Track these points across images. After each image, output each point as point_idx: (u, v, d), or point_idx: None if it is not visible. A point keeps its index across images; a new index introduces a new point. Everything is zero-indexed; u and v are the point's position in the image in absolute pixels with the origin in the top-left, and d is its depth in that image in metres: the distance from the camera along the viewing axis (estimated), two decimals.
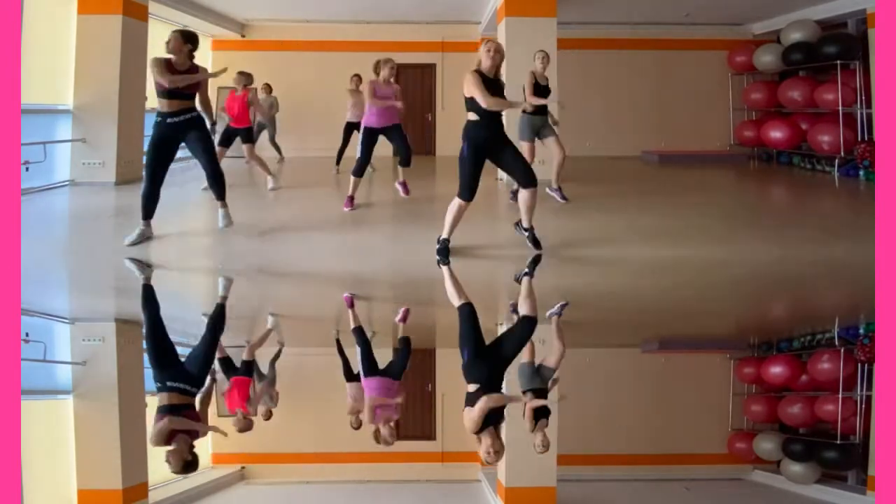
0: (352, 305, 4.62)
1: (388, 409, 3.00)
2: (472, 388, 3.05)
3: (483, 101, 5.26)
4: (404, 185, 7.31)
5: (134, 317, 4.62)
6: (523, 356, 3.57)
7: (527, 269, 5.42)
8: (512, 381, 3.25)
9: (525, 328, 4.04)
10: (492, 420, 2.71)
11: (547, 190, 7.04)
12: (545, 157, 7.21)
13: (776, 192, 9.07)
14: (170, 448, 2.55)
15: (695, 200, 7.64)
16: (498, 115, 5.53)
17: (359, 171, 7.01)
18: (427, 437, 2.86)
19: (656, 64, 11.13)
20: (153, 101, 9.42)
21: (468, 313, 4.28)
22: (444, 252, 5.66)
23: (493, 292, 5.29)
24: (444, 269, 5.41)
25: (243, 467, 2.66)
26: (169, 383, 3.23)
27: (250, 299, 5.09)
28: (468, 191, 5.51)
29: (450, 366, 3.69)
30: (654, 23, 10.92)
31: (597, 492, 2.60)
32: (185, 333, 4.22)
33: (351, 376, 3.38)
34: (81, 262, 5.84)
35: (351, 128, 8.98)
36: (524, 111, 6.57)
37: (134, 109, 8.60)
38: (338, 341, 3.91)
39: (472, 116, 5.43)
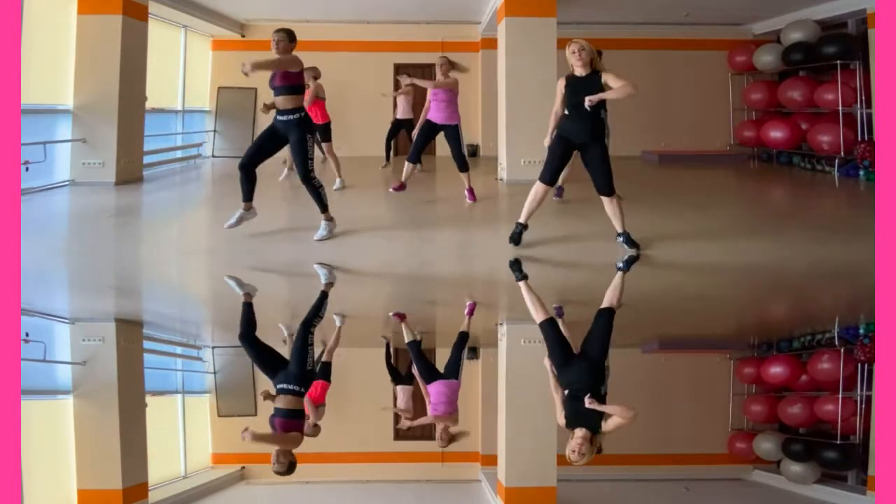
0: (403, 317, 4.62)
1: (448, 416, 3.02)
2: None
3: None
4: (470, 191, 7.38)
5: (134, 317, 4.62)
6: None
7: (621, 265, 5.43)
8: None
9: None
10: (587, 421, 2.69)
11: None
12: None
13: (776, 192, 9.07)
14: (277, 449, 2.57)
15: (695, 200, 7.63)
16: (591, 111, 5.44)
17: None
18: (427, 437, 2.86)
19: (656, 64, 11.11)
20: (153, 101, 9.50)
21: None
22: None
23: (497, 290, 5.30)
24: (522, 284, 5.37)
25: (243, 467, 2.66)
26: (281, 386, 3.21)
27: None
28: (544, 176, 5.68)
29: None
30: (654, 23, 10.92)
31: (597, 492, 2.60)
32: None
33: (400, 378, 3.43)
34: (81, 262, 5.84)
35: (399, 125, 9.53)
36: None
37: (134, 109, 8.60)
38: (387, 346, 3.92)
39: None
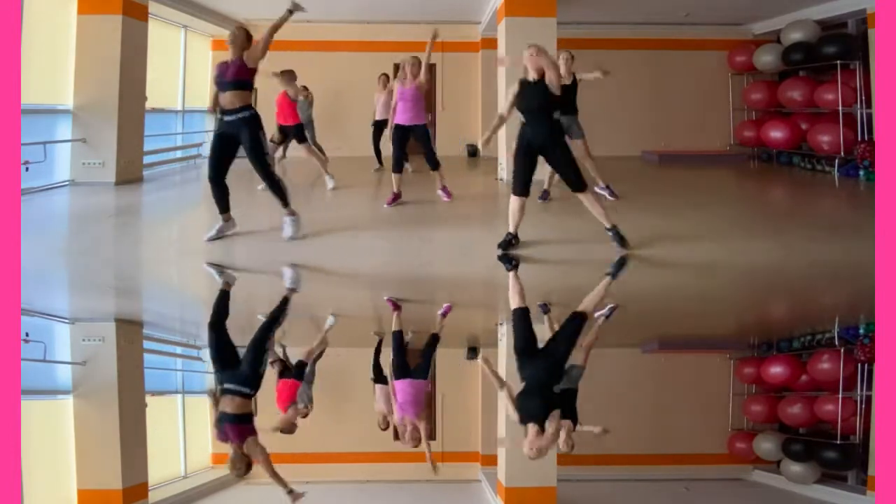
0: (396, 308, 4.62)
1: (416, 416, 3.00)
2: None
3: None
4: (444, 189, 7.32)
5: (134, 317, 4.62)
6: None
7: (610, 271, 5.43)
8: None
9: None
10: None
11: (595, 189, 7.10)
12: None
13: (776, 192, 9.07)
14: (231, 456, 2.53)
15: (695, 200, 7.63)
16: (543, 113, 5.58)
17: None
18: (427, 437, 2.86)
19: (656, 64, 11.11)
20: (153, 101, 9.49)
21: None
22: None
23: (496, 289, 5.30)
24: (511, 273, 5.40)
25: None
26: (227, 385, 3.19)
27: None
28: (518, 186, 5.72)
29: (450, 366, 3.69)
30: (654, 23, 10.91)
31: (597, 492, 2.60)
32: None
33: (379, 378, 3.41)
34: (81, 262, 5.84)
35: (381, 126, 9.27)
36: None
37: (134, 109, 8.60)
38: (378, 344, 3.91)
39: (521, 118, 5.71)
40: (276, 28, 5.82)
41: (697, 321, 4.41)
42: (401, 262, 5.89)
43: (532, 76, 5.60)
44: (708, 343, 4.09)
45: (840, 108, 8.88)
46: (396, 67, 11.67)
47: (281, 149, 8.76)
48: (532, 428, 2.60)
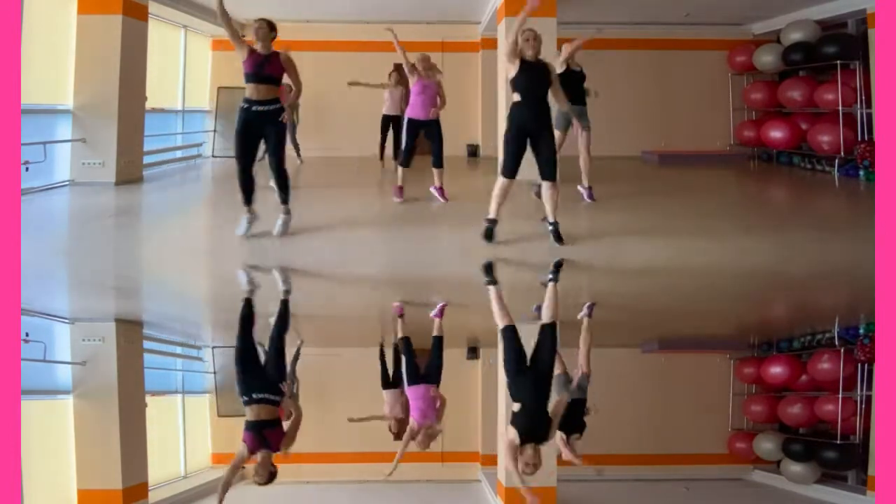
0: (400, 314, 4.61)
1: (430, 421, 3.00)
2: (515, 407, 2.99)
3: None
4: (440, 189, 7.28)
5: (134, 317, 4.62)
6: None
7: (550, 276, 5.41)
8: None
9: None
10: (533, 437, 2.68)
11: (578, 186, 7.11)
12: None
13: (776, 192, 9.07)
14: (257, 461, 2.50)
15: (695, 200, 7.63)
16: (538, 96, 5.63)
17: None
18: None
19: (656, 64, 11.11)
20: (153, 101, 9.49)
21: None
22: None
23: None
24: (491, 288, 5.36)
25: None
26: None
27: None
28: (507, 168, 5.75)
29: (450, 366, 3.69)
30: (654, 23, 10.91)
31: (597, 492, 2.60)
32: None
33: (388, 383, 3.40)
34: (81, 262, 5.84)
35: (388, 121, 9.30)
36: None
37: (134, 109, 8.59)
38: (381, 348, 3.91)
39: (515, 97, 5.73)
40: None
41: (697, 321, 4.41)
42: (399, 263, 5.89)
43: (529, 55, 5.62)
44: (708, 343, 4.08)
45: (840, 108, 8.88)
46: (396, 67, 11.69)
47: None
48: (531, 448, 2.56)
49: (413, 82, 7.16)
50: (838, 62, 9.00)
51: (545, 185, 5.72)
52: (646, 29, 11.02)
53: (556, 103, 5.88)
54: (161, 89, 10.13)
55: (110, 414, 3.01)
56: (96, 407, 3.11)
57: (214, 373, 3.62)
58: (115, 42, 8.18)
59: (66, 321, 4.50)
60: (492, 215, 5.79)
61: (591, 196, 7.12)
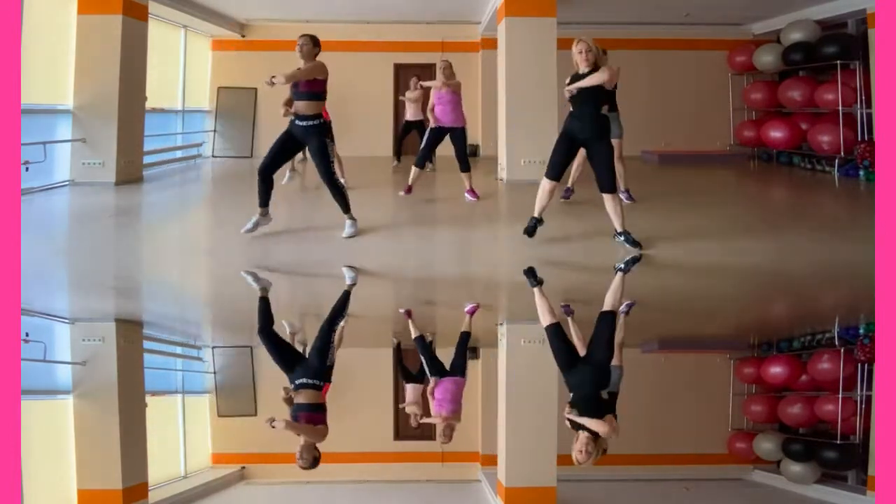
0: (409, 316, 4.62)
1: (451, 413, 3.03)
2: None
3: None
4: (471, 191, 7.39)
5: (134, 317, 4.62)
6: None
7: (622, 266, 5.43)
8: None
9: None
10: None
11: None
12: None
13: (776, 192, 9.07)
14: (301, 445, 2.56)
15: (695, 201, 7.63)
16: (591, 107, 5.57)
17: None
18: (427, 437, 2.86)
19: (656, 64, 11.11)
20: (153, 101, 9.49)
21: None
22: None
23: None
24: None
25: (243, 467, 2.66)
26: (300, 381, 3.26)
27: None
28: (553, 170, 5.77)
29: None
30: (655, 23, 10.91)
31: (597, 492, 2.60)
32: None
33: (411, 377, 3.45)
34: (81, 262, 5.84)
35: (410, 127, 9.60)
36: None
37: (134, 109, 8.59)
38: (398, 344, 3.91)
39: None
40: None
41: (697, 321, 4.41)
42: (400, 263, 5.90)
43: (583, 69, 5.58)
44: (708, 343, 4.08)
45: (840, 108, 8.88)
46: (397, 68, 11.70)
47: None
48: (585, 435, 2.57)
49: (438, 90, 7.33)
50: (838, 62, 9.00)
51: (605, 199, 5.69)
52: (646, 29, 11.02)
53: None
54: (161, 89, 10.14)
55: (110, 414, 3.01)
56: (96, 407, 3.11)
57: (214, 373, 3.62)
58: (115, 42, 8.18)
59: (66, 321, 4.50)
60: (536, 214, 5.83)
61: (630, 197, 7.14)
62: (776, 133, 9.96)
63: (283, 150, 6.10)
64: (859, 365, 3.48)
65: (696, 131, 11.03)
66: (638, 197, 7.08)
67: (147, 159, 9.16)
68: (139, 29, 8.64)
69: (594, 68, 5.53)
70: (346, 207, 6.12)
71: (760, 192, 9.00)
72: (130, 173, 8.42)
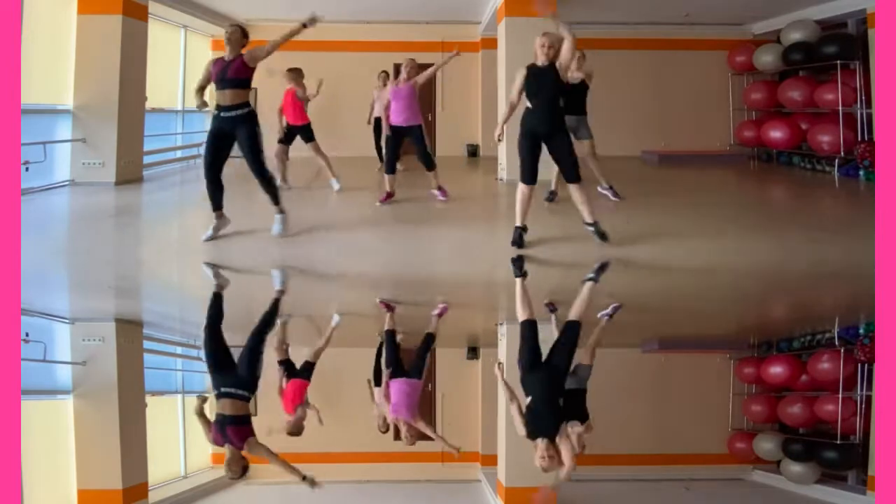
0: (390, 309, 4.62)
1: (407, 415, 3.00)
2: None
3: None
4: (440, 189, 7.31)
5: (134, 317, 4.62)
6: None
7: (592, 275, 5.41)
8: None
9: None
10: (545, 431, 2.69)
11: (598, 189, 7.10)
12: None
13: (776, 192, 9.07)
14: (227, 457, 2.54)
15: (695, 201, 7.63)
16: (550, 100, 5.59)
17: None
18: (427, 437, 2.86)
19: (656, 64, 11.11)
20: (153, 101, 9.49)
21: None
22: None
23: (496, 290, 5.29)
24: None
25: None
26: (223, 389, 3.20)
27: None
28: (526, 174, 5.72)
29: (450, 366, 3.69)
30: (654, 23, 10.91)
31: (597, 492, 2.60)
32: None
33: (378, 380, 3.42)
34: (81, 262, 5.84)
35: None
36: None
37: (134, 109, 8.60)
38: (380, 346, 3.90)
39: (527, 103, 5.69)
40: (288, 37, 5.93)
41: (697, 321, 4.41)
42: (400, 263, 5.89)
43: (542, 61, 5.58)
44: (708, 343, 4.08)
45: (840, 108, 8.88)
46: (397, 68, 11.68)
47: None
48: (542, 442, 2.57)
49: (397, 86, 7.16)
50: (838, 62, 9.00)
51: (571, 189, 5.70)
52: (646, 29, 11.03)
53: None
54: (161, 89, 10.14)
55: (110, 414, 3.01)
56: (96, 407, 3.11)
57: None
58: (115, 42, 8.19)
59: (66, 321, 4.50)
60: (518, 223, 5.77)
61: (615, 195, 7.13)
62: (776, 133, 9.96)
63: (217, 148, 5.85)
64: (859, 365, 3.48)
65: (696, 131, 11.04)
66: (638, 197, 7.08)
67: (147, 159, 9.16)
68: (139, 29, 8.64)
69: (552, 64, 5.56)
70: (276, 200, 5.99)
71: (760, 192, 9.00)
72: (130, 173, 8.42)
